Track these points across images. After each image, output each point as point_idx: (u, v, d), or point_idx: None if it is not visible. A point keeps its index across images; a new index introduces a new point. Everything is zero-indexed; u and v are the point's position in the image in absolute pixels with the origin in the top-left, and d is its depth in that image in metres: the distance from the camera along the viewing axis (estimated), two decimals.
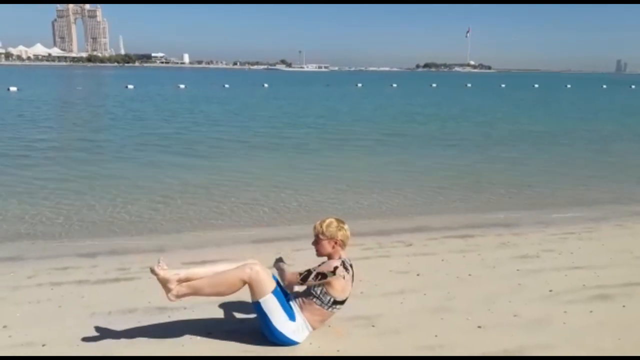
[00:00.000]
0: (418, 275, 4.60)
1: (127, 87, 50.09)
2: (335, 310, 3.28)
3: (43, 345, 3.28)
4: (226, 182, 9.52)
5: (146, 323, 3.59)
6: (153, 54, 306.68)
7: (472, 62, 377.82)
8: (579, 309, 3.78)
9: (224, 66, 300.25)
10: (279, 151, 13.52)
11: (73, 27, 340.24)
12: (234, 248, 5.72)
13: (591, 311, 3.74)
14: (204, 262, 4.87)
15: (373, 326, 3.52)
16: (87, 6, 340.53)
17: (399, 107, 30.92)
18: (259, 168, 10.93)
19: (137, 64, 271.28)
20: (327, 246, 3.29)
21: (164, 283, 3.14)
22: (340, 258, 3.29)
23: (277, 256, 3.57)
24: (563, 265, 4.81)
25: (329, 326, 3.44)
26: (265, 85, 61.15)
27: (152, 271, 3.12)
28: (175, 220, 7.20)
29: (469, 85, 70.51)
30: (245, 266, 3.13)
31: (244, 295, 3.24)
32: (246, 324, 3.54)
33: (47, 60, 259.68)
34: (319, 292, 3.22)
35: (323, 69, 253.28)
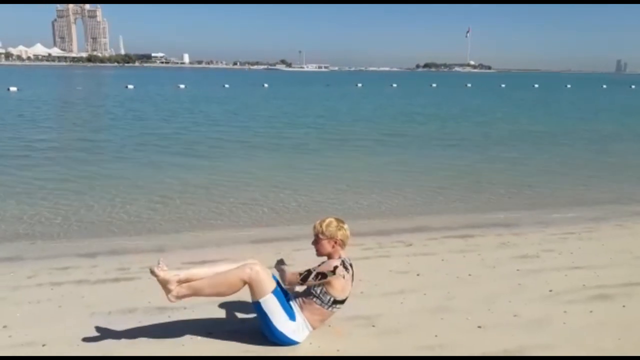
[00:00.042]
0: (418, 275, 4.60)
1: (127, 87, 50.09)
2: (335, 309, 3.28)
3: (43, 345, 3.28)
4: (226, 182, 9.52)
5: (146, 323, 3.59)
6: (153, 54, 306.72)
7: (472, 62, 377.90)
8: (579, 309, 3.78)
9: (224, 66, 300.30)
10: (278, 151, 13.52)
11: (73, 27, 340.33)
12: (233, 248, 5.72)
13: (591, 311, 3.74)
14: (203, 262, 4.87)
15: (373, 326, 3.52)
16: (87, 6, 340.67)
17: (398, 107, 30.92)
18: (259, 168, 10.93)
19: (137, 64, 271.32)
20: (326, 246, 3.29)
21: (164, 284, 3.14)
22: (340, 258, 3.29)
23: (278, 258, 3.57)
24: (563, 265, 4.81)
25: (329, 326, 3.44)
26: (265, 85, 61.15)
27: (152, 272, 3.12)
28: (174, 220, 7.20)
29: (469, 85, 70.51)
30: (245, 266, 3.13)
31: (244, 295, 3.24)
32: (246, 324, 3.54)
33: (47, 60, 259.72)
34: (318, 291, 3.22)
35: (323, 69, 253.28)
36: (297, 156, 12.75)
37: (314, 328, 3.29)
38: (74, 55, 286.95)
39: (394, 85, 67.70)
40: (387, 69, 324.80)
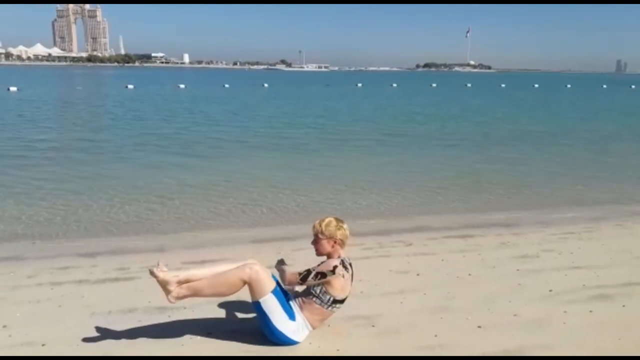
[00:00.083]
0: (418, 275, 4.60)
1: (127, 87, 50.09)
2: (335, 309, 3.28)
3: (43, 345, 3.28)
4: (225, 182, 9.52)
5: (146, 323, 3.59)
6: (153, 54, 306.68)
7: (472, 62, 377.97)
8: (579, 308, 3.78)
9: (224, 66, 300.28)
10: (278, 151, 13.52)
11: (73, 27, 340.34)
12: (233, 248, 5.72)
13: (591, 311, 3.74)
14: (203, 262, 4.88)
15: (373, 326, 3.52)
16: (87, 6, 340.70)
17: (398, 107, 30.92)
18: (259, 168, 10.93)
19: (137, 64, 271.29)
20: (326, 245, 3.29)
21: (164, 285, 3.14)
22: (339, 257, 3.29)
23: (279, 258, 3.57)
24: (563, 265, 4.81)
25: (329, 326, 3.44)
26: (265, 85, 61.15)
27: (152, 273, 3.12)
28: (174, 220, 7.20)
29: (469, 85, 70.51)
30: (245, 266, 3.13)
31: (244, 295, 3.24)
32: (246, 323, 3.54)
33: (47, 60, 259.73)
34: (318, 291, 3.22)
35: (323, 69, 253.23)
36: (297, 156, 12.75)
37: (313, 328, 3.29)
38: (74, 55, 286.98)
39: (394, 85, 67.70)
40: (387, 68, 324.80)
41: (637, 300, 3.96)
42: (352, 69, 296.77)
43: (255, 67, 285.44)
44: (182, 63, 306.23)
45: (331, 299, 3.22)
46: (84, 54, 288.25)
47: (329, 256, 3.32)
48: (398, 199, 8.43)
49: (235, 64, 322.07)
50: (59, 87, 53.65)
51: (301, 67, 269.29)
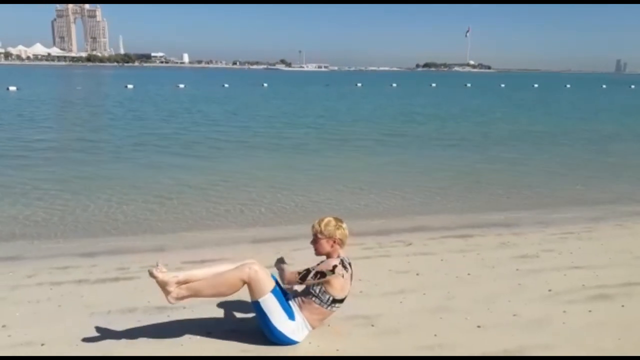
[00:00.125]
0: (418, 274, 4.60)
1: (126, 86, 50.07)
2: (334, 308, 3.28)
3: (42, 345, 3.27)
4: (225, 182, 9.51)
5: (145, 322, 3.59)
6: (153, 54, 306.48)
7: (471, 62, 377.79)
8: (579, 308, 3.78)
9: (224, 66, 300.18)
10: (278, 151, 13.51)
11: (72, 26, 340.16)
12: (233, 248, 5.72)
13: (591, 311, 3.74)
14: (203, 262, 4.88)
15: (372, 326, 3.52)
16: (87, 6, 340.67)
17: (398, 107, 30.92)
18: (258, 168, 10.93)
19: (136, 63, 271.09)
20: (325, 245, 3.29)
21: (163, 286, 3.14)
22: (339, 257, 3.29)
23: (278, 256, 3.57)
24: (563, 265, 4.81)
25: (329, 325, 3.44)
26: (265, 84, 61.12)
27: (151, 274, 3.11)
28: (174, 220, 7.20)
29: (469, 85, 70.52)
30: (245, 266, 3.13)
31: (244, 295, 3.24)
32: (246, 323, 3.53)
33: (47, 60, 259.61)
34: (317, 291, 3.22)
35: (323, 69, 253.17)
36: (296, 156, 12.75)
37: (313, 327, 3.29)
38: (73, 55, 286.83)
39: (394, 85, 67.70)
40: (386, 68, 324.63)
41: (636, 300, 3.96)
42: (352, 68, 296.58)
43: (255, 66, 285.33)
44: (181, 63, 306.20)
45: (330, 298, 3.22)
46: (84, 54, 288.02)
47: (329, 256, 3.31)
48: (398, 199, 8.43)
49: (234, 63, 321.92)
50: (59, 86, 53.63)
51: (301, 67, 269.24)
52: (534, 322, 3.55)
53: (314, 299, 3.23)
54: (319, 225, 3.30)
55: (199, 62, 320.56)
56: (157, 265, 3.16)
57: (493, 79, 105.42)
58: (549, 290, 4.14)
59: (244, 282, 3.10)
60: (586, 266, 4.76)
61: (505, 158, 12.81)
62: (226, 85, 56.80)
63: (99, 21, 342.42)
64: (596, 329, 3.44)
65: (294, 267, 3.42)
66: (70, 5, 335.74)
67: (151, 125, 19.25)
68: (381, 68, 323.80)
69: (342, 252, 3.34)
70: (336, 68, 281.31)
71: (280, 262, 3.47)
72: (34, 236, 6.41)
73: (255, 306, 3.16)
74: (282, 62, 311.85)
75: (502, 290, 4.14)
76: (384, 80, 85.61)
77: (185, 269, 4.40)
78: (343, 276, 3.22)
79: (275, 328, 3.15)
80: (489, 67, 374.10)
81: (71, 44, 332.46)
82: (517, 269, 4.70)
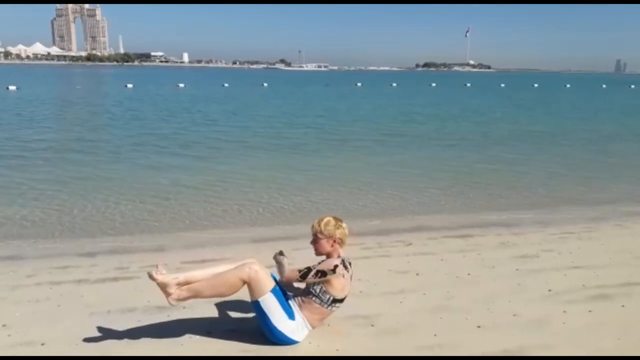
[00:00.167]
0: (417, 274, 4.60)
1: (126, 86, 50.06)
2: (334, 308, 3.28)
3: (42, 345, 3.27)
4: (224, 182, 9.50)
5: (145, 322, 3.59)
6: (152, 53, 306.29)
7: (471, 62, 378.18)
8: (579, 308, 3.78)
9: (224, 65, 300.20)
10: (278, 151, 13.50)
11: (72, 26, 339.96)
12: (233, 248, 5.72)
13: (591, 311, 3.74)
14: (203, 262, 4.88)
15: (372, 325, 3.52)
16: (87, 5, 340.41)
17: (398, 107, 30.91)
18: (258, 169, 10.92)
19: (136, 63, 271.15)
20: (325, 245, 3.29)
21: (163, 288, 3.13)
22: (339, 256, 3.29)
23: (278, 250, 3.55)
24: (563, 265, 4.81)
25: (329, 325, 3.43)
26: (265, 84, 61.11)
27: (151, 277, 3.11)
28: (173, 220, 7.19)
29: (469, 85, 70.53)
30: (244, 266, 3.12)
31: (243, 295, 3.24)
32: (245, 323, 3.53)
33: (47, 59, 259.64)
34: (318, 290, 3.22)
35: (323, 69, 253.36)
36: (296, 156, 12.74)
37: (313, 327, 3.28)
38: (73, 54, 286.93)
39: (394, 84, 67.70)
40: (386, 68, 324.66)
41: (636, 300, 3.96)
42: (352, 68, 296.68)
43: (254, 66, 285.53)
44: (181, 62, 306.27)
45: (331, 298, 3.22)
46: (83, 53, 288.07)
47: (329, 256, 3.31)
48: (397, 199, 8.43)
49: (234, 63, 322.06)
50: (58, 86, 53.59)
51: (301, 67, 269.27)
52: (534, 322, 3.55)
53: (314, 298, 3.23)
54: (319, 225, 3.30)
55: (199, 61, 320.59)
56: (157, 267, 3.15)
57: (493, 79, 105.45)
58: (549, 290, 4.14)
59: (244, 282, 3.09)
60: (586, 266, 4.76)
61: (505, 158, 12.81)
62: (226, 85, 56.79)
63: (98, 20, 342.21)
64: (596, 329, 3.44)
65: (294, 266, 3.42)
66: (70, 5, 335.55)
67: (150, 125, 19.24)
68: (381, 68, 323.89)
69: (342, 252, 3.34)
70: (336, 68, 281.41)
71: (280, 254, 3.46)
72: (37, 235, 6.41)
73: (255, 306, 3.15)
74: (282, 61, 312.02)
75: (502, 290, 4.14)
76: (384, 80, 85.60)
77: (185, 268, 4.41)
78: (344, 276, 3.22)
79: (275, 328, 3.15)
80: (489, 67, 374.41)
81: (71, 44, 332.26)
82: (517, 269, 4.70)
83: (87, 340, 3.33)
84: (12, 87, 41.07)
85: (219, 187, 9.12)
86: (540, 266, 4.80)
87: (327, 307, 3.24)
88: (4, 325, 3.56)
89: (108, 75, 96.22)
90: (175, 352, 3.16)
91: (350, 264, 3.33)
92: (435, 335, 3.37)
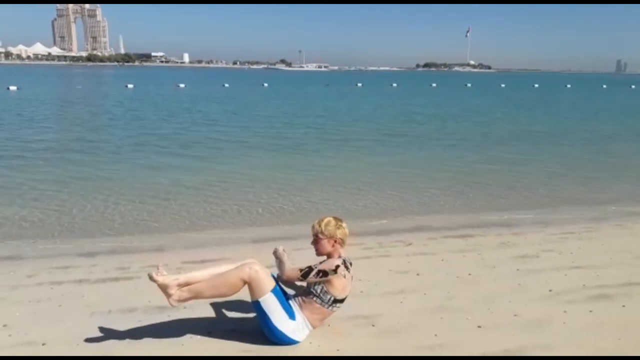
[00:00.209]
0: (418, 274, 4.60)
1: (126, 86, 50.09)
2: (335, 308, 3.28)
3: (43, 345, 3.27)
4: (224, 183, 9.51)
5: (146, 322, 3.59)
6: (153, 54, 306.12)
7: (472, 62, 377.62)
8: (579, 308, 3.78)
9: (224, 65, 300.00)
10: (278, 151, 13.51)
11: (73, 26, 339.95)
12: (233, 248, 5.72)
13: (591, 311, 3.74)
14: (203, 262, 4.88)
15: (373, 325, 3.52)
16: (87, 6, 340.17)
17: (398, 107, 30.92)
18: (258, 169, 10.92)
19: (137, 63, 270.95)
20: (326, 245, 3.30)
21: (164, 289, 3.14)
22: (340, 257, 3.29)
23: (279, 247, 3.53)
24: (563, 265, 4.81)
25: (329, 325, 3.44)
26: (265, 84, 61.13)
27: (151, 278, 3.11)
28: (173, 220, 7.19)
29: (469, 85, 70.52)
30: (245, 266, 3.13)
31: (244, 295, 3.24)
32: (246, 323, 3.53)
33: (47, 60, 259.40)
34: (318, 290, 3.22)
35: (323, 69, 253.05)
36: (296, 156, 12.74)
37: (313, 327, 3.29)
38: (73, 54, 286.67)
39: (394, 85, 67.70)
40: (387, 68, 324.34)
41: (637, 300, 3.96)
42: (352, 68, 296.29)
43: (255, 66, 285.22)
44: (182, 62, 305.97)
45: (332, 298, 3.22)
46: (84, 53, 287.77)
47: (330, 256, 3.32)
48: (398, 199, 8.43)
49: (235, 63, 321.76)
50: (59, 86, 53.62)
51: (301, 67, 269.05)
52: (534, 322, 3.55)
53: (314, 298, 3.23)
54: (319, 226, 3.30)
55: (199, 61, 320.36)
56: (158, 268, 3.16)
57: (493, 79, 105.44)
58: (550, 290, 4.14)
59: (245, 282, 3.09)
60: (586, 266, 4.76)
61: (506, 158, 12.81)
62: (226, 85, 56.82)
63: (99, 21, 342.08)
64: (596, 329, 3.45)
65: (294, 265, 3.41)
66: (71, 5, 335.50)
67: (151, 125, 19.25)
68: (381, 68, 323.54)
69: (343, 252, 3.34)
70: (336, 68, 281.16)
71: (280, 251, 3.45)
72: (37, 235, 6.42)
73: (256, 306, 3.16)
74: (282, 62, 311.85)
75: (503, 290, 4.15)
76: (384, 80, 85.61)
77: (185, 269, 4.41)
78: (345, 276, 3.22)
79: (275, 328, 3.15)
80: (489, 67, 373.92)
81: (71, 44, 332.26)
82: (517, 269, 4.70)
83: (88, 340, 3.33)
84: (13, 88, 41.10)
85: (219, 187, 9.12)
86: (540, 266, 4.80)
87: (327, 307, 3.24)
88: (4, 326, 3.57)
89: (108, 75, 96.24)
90: (176, 352, 3.16)
91: (351, 264, 3.34)
92: (435, 335, 3.37)
